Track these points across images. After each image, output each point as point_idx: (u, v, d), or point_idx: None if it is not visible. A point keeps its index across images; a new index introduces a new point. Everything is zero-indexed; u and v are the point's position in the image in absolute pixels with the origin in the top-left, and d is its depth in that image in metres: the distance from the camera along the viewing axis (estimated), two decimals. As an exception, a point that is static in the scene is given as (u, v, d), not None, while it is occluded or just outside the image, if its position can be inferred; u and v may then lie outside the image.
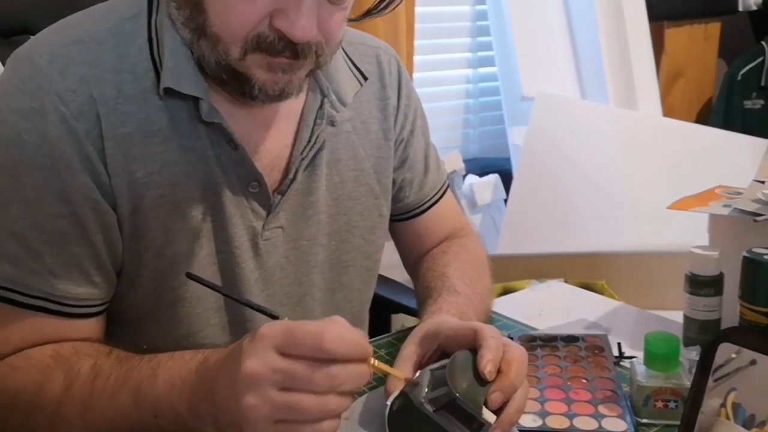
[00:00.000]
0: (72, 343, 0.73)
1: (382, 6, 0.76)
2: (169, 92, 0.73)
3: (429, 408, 0.62)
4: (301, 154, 0.81)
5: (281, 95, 0.73)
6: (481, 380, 0.63)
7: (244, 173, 0.78)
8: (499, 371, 0.65)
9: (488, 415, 0.63)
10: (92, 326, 0.76)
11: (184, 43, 0.73)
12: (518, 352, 0.67)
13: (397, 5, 0.77)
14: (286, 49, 0.69)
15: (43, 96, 0.70)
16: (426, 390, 0.63)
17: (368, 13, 0.76)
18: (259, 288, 0.83)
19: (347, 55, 0.88)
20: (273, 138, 0.81)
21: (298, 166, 0.81)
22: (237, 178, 0.78)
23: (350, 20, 0.75)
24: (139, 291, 0.77)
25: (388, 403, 0.66)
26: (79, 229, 0.72)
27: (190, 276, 0.68)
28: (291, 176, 0.81)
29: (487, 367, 0.63)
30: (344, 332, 0.59)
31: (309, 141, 0.82)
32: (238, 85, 0.72)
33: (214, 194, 0.77)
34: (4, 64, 1.04)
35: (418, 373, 0.67)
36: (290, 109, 0.82)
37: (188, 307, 0.79)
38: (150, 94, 0.73)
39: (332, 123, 0.83)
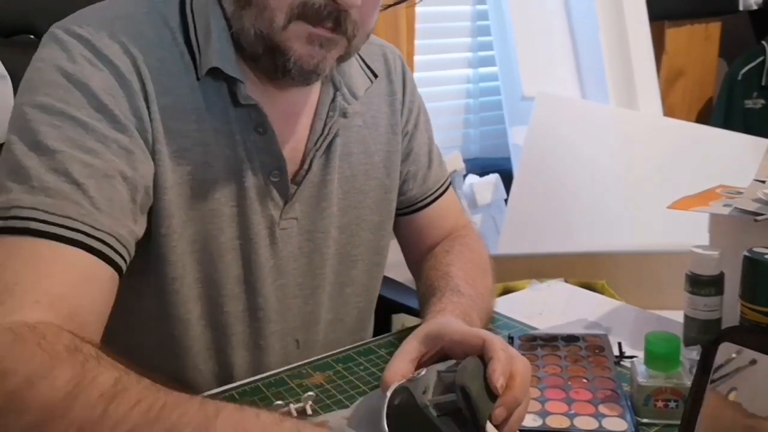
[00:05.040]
0: (95, 344, 0.59)
1: None
2: (210, 73, 0.75)
3: (433, 412, 0.62)
4: (315, 145, 0.84)
5: (314, 71, 0.75)
6: (489, 392, 0.63)
7: (268, 160, 0.80)
8: None
9: (490, 429, 0.63)
10: (116, 286, 0.69)
11: (226, 30, 0.75)
12: (522, 365, 0.67)
13: None
14: (330, 17, 0.72)
15: (94, 51, 0.71)
16: (432, 392, 0.63)
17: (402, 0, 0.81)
18: (273, 277, 0.84)
19: (358, 54, 0.90)
20: (292, 129, 0.84)
21: (313, 157, 0.84)
22: (260, 165, 0.80)
23: (386, 7, 0.80)
24: (160, 276, 0.78)
25: (388, 394, 0.66)
26: (125, 167, 0.70)
27: None
28: (306, 167, 0.84)
29: (499, 381, 0.63)
30: None
31: (322, 132, 0.84)
32: (272, 60, 0.74)
33: (238, 179, 0.79)
34: (4, 64, 1.05)
35: (424, 371, 0.67)
36: (307, 104, 0.85)
37: (204, 290, 0.80)
38: (185, 75, 0.76)
39: (344, 114, 0.85)
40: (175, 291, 0.79)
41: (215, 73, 0.75)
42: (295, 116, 0.84)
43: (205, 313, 0.81)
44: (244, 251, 0.81)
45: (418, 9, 2.02)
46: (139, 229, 0.72)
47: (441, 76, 2.32)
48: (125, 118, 0.71)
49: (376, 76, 0.91)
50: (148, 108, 0.73)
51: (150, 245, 0.76)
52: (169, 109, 0.74)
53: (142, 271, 0.77)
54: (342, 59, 0.79)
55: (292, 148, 0.83)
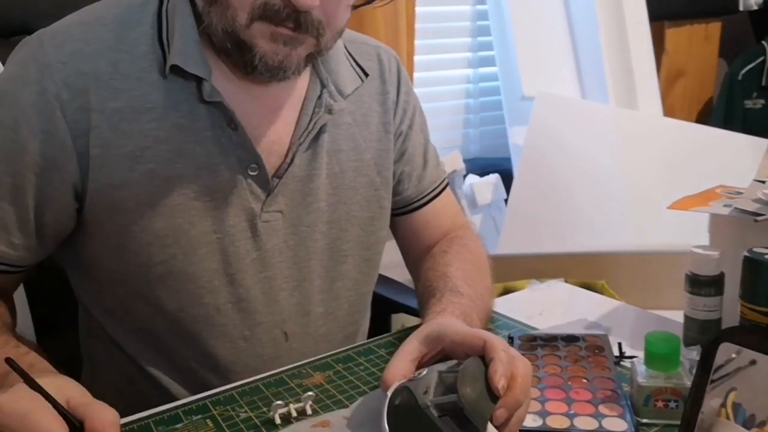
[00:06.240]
0: None
1: None
2: (174, 71, 0.77)
3: (434, 412, 0.62)
4: (299, 139, 0.85)
5: (280, 68, 0.76)
6: (490, 393, 0.63)
7: (244, 155, 0.81)
8: None
9: (491, 430, 0.63)
10: None
11: (194, 28, 0.77)
12: (523, 366, 0.67)
13: None
14: (289, 18, 0.73)
15: (33, 67, 0.75)
16: (433, 392, 0.63)
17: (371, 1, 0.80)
18: (256, 269, 0.85)
19: (349, 53, 0.92)
20: (273, 124, 0.84)
21: (296, 151, 0.85)
22: (237, 159, 0.81)
23: (356, 6, 0.79)
24: (128, 264, 0.80)
25: (389, 394, 0.66)
26: (15, 189, 0.76)
27: (8, 362, 0.59)
28: (288, 160, 0.84)
29: (501, 382, 0.63)
30: None
31: (306, 127, 0.85)
32: (240, 56, 0.76)
33: (209, 174, 0.80)
34: (3, 64, 1.05)
35: (425, 371, 0.67)
36: (292, 100, 0.86)
37: (177, 282, 0.81)
38: (147, 74, 0.77)
39: (330, 111, 0.86)
40: (146, 280, 0.81)
41: (182, 70, 0.77)
42: (278, 111, 0.84)
43: (182, 305, 0.82)
44: (221, 244, 0.82)
45: (418, 9, 2.02)
46: (29, 242, 0.79)
47: (441, 76, 2.32)
48: (37, 141, 0.75)
49: (367, 75, 0.92)
50: (88, 117, 0.75)
51: (109, 237, 0.80)
52: (120, 112, 0.76)
53: (109, 261, 0.81)
54: (313, 57, 0.80)
55: (273, 142, 0.84)
